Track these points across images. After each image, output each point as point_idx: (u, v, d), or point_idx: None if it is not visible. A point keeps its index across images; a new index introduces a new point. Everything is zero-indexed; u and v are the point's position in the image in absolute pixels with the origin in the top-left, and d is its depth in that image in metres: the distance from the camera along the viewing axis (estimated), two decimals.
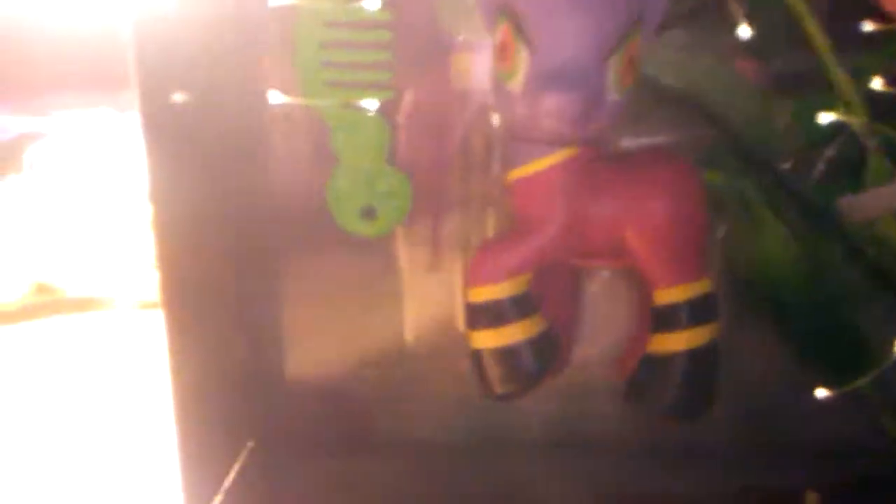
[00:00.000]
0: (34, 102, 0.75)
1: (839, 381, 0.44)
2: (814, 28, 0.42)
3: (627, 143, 0.44)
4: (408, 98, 0.46)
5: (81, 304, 0.73)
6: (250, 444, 0.50)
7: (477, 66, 0.45)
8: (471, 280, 0.40)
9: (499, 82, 0.39)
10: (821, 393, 0.45)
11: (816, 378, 0.45)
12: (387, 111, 0.45)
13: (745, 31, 0.42)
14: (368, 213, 0.46)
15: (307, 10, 0.43)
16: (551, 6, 0.36)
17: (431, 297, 0.49)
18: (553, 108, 0.35)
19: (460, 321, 0.48)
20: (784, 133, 0.44)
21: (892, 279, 0.45)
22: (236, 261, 0.48)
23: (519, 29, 0.37)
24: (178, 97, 0.43)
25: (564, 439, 0.50)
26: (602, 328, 0.48)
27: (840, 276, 0.45)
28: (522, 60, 0.37)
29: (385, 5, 0.44)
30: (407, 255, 0.49)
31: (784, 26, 0.43)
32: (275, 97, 0.44)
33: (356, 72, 0.45)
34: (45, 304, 0.73)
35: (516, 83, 0.37)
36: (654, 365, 0.41)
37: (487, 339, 0.40)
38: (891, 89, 0.42)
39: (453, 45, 0.45)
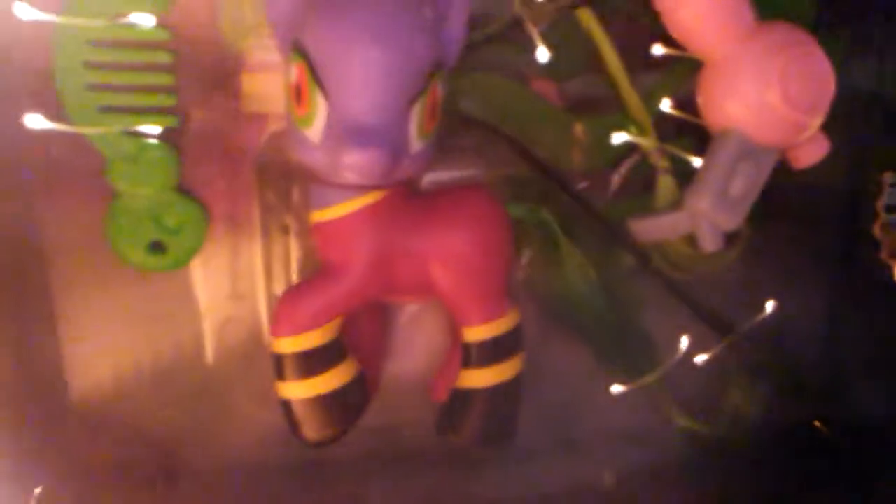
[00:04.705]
0: None
1: (632, 378, 0.48)
2: (609, 51, 0.43)
3: (433, 176, 0.43)
4: (195, 122, 0.42)
5: None
6: (37, 490, 0.46)
7: (268, 87, 0.41)
8: (276, 330, 0.38)
9: (294, 126, 0.36)
10: (616, 388, 0.48)
11: (613, 376, 0.48)
12: (172, 137, 0.41)
13: (543, 55, 0.41)
14: (157, 248, 0.42)
15: (65, 26, 0.38)
16: (345, 50, 0.33)
17: (233, 325, 0.46)
18: (353, 164, 0.33)
19: (264, 347, 0.46)
20: (583, 154, 0.45)
21: (675, 288, 0.48)
22: (13, 300, 0.43)
23: (314, 73, 0.34)
24: None
25: (382, 451, 0.50)
26: (416, 347, 0.47)
27: (630, 285, 0.47)
28: (319, 108, 0.34)
29: (161, 23, 0.39)
30: (204, 283, 0.45)
31: (581, 49, 0.43)
32: (34, 121, 0.38)
33: (133, 96, 0.40)
34: None
35: (314, 132, 0.35)
36: (462, 400, 0.41)
37: (297, 391, 0.38)
38: (679, 112, 0.44)
39: (240, 64, 0.41)
